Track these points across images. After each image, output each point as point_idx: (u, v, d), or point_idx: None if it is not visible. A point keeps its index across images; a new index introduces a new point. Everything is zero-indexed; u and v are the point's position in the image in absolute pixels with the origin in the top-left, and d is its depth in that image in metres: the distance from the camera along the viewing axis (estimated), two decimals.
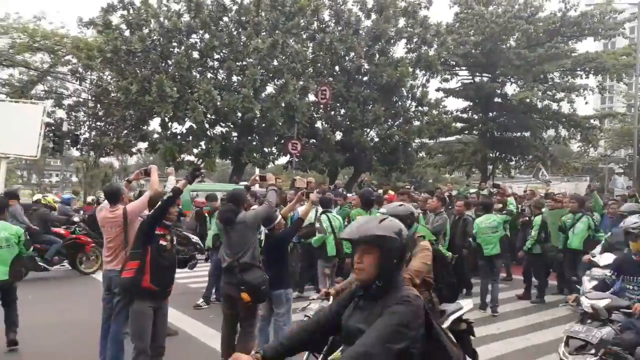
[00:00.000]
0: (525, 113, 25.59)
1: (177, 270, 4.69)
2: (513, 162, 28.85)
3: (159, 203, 4.26)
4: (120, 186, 5.38)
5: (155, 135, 19.23)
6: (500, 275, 8.11)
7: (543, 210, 8.84)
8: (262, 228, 5.29)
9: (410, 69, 20.62)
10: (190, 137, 19.03)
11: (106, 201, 5.21)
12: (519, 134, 26.98)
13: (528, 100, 24.12)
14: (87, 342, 5.47)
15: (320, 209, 7.79)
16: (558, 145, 29.89)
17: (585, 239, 8.11)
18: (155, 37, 18.51)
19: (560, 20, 24.54)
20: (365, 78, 21.43)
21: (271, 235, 5.11)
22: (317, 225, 7.63)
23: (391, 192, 11.68)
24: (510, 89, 27.22)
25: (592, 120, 27.41)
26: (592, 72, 25.13)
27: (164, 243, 4.25)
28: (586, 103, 26.23)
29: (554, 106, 26.61)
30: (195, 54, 19.13)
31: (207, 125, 19.01)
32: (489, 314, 7.44)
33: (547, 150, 27.56)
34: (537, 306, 8.19)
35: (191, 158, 19.22)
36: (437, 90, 27.33)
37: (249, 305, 4.60)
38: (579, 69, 25.26)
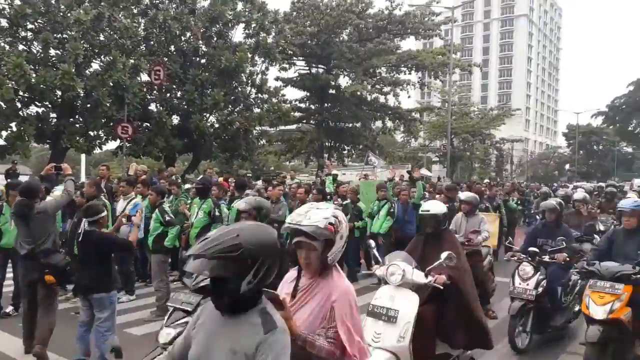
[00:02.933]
0: (356, 105, 27.21)
1: None
2: (346, 151, 30.55)
3: None
4: None
5: None
6: None
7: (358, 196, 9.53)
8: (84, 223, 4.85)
9: (249, 55, 20.37)
10: None
11: None
12: (351, 124, 28.58)
13: (359, 92, 25.66)
14: None
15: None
16: (385, 136, 32.39)
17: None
18: None
19: (387, 18, 26.53)
20: (203, 60, 20.56)
21: (92, 232, 4.56)
22: (167, 218, 6.84)
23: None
24: (344, 81, 28.72)
25: (413, 113, 30.22)
26: (414, 68, 27.67)
27: None
28: (409, 97, 28.97)
29: (382, 99, 28.83)
30: (4, 22, 16.49)
31: (18, 105, 16.55)
32: None
33: (375, 140, 29.68)
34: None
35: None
36: (276, 79, 27.66)
37: (50, 286, 5.00)
38: (402, 65, 27.57)
